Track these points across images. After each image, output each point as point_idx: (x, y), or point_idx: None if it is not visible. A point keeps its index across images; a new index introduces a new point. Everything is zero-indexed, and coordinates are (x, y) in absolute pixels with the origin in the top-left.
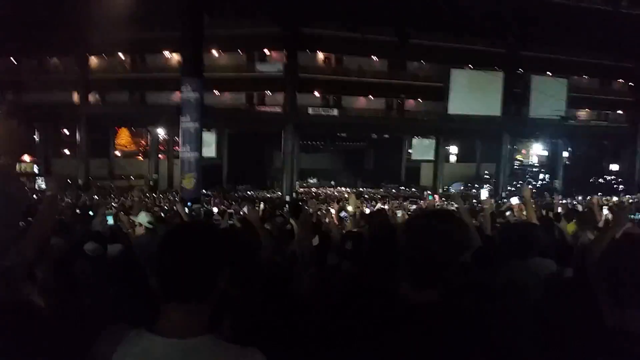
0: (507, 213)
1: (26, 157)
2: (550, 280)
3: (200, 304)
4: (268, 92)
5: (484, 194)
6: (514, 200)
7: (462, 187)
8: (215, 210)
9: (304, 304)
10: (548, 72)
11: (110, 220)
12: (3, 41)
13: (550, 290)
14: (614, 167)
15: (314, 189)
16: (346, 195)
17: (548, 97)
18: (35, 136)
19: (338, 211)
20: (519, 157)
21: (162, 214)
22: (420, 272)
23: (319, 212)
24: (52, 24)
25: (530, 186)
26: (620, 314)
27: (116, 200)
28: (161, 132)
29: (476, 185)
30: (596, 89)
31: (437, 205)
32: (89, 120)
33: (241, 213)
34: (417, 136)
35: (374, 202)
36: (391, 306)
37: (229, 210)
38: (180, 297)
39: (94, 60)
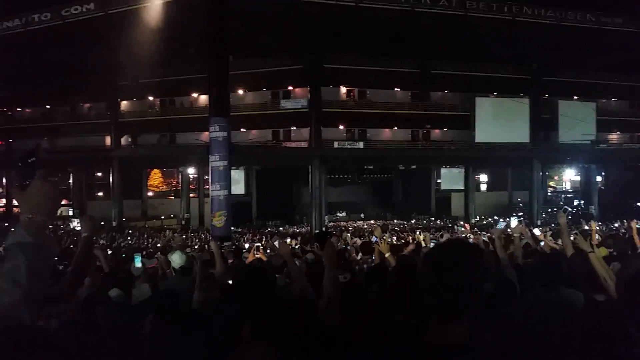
0: (542, 243)
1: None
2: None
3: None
4: (293, 128)
5: (514, 222)
6: (514, 222)
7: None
8: (246, 246)
9: (330, 340)
10: (575, 97)
11: (138, 263)
12: (37, 88)
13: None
14: None
15: (343, 223)
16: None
17: (577, 121)
18: (69, 180)
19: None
20: (551, 183)
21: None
22: (443, 304)
23: (348, 247)
24: (83, 70)
25: (565, 213)
26: None
27: (150, 240)
28: (191, 171)
29: (511, 214)
30: (626, 112)
31: (468, 235)
32: (121, 162)
33: (272, 246)
34: (446, 166)
35: (403, 234)
36: (417, 349)
37: (256, 244)
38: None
39: (124, 104)
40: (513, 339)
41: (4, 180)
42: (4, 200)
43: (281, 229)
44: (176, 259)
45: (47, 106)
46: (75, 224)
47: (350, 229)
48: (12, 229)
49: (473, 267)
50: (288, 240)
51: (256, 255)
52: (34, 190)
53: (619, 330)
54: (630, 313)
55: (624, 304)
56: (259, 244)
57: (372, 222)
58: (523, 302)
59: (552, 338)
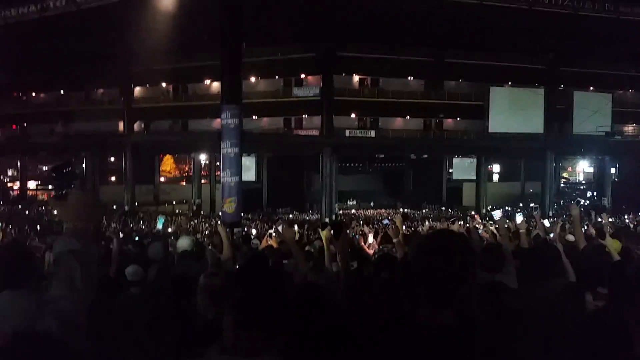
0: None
1: None
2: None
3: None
4: (305, 116)
5: (519, 218)
6: (519, 218)
7: (502, 215)
8: (254, 232)
9: (339, 325)
10: (591, 87)
11: (160, 225)
12: (52, 74)
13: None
14: None
15: (353, 211)
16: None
17: (592, 112)
18: (82, 164)
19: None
20: (564, 174)
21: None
22: (433, 291)
23: (357, 235)
24: (97, 57)
25: (578, 205)
26: None
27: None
28: (203, 157)
29: (520, 205)
30: None
31: (477, 226)
32: (134, 148)
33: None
34: (458, 156)
35: (413, 223)
36: (408, 329)
37: (269, 231)
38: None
39: (137, 90)
40: (509, 326)
41: (19, 163)
42: (18, 183)
43: (291, 216)
44: (182, 243)
45: (61, 92)
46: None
47: (360, 217)
48: (58, 237)
49: (459, 254)
50: (295, 228)
51: (269, 242)
52: (73, 200)
53: (619, 324)
54: (629, 308)
55: (624, 300)
56: (272, 231)
57: (382, 210)
58: (526, 292)
59: (549, 329)
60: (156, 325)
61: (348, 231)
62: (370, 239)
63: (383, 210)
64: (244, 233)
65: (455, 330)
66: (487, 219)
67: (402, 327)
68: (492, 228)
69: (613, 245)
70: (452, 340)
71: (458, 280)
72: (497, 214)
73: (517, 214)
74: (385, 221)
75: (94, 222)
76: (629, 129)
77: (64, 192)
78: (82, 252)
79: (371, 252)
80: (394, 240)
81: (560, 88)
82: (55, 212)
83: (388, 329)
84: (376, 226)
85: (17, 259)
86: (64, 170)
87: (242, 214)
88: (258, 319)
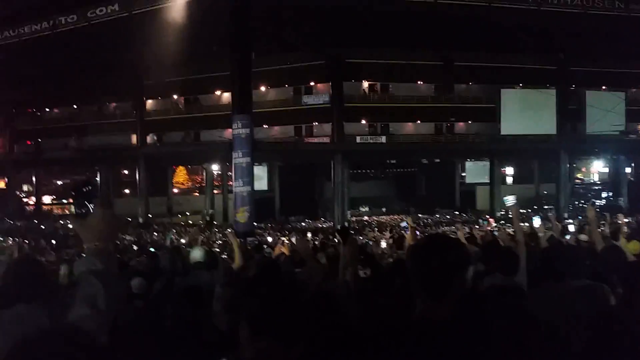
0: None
1: None
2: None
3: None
4: (315, 123)
5: (537, 221)
6: (536, 222)
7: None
8: (269, 239)
9: (351, 333)
10: (603, 86)
11: (168, 240)
12: (65, 89)
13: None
14: None
15: (365, 217)
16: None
17: (605, 112)
18: (97, 178)
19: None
20: (579, 175)
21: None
22: (426, 287)
23: (370, 242)
24: (109, 70)
25: (593, 206)
26: None
27: (175, 237)
28: (216, 168)
29: (534, 207)
30: None
31: (493, 229)
32: (147, 160)
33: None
34: (470, 159)
35: (426, 228)
36: (404, 325)
37: (281, 239)
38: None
39: (149, 103)
40: (509, 326)
41: (34, 178)
42: (33, 199)
43: (303, 224)
44: (196, 254)
45: (75, 106)
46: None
47: (373, 223)
48: (81, 257)
49: (448, 253)
50: (309, 235)
51: (281, 250)
52: (95, 219)
53: (632, 324)
54: None
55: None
56: (284, 239)
57: (395, 216)
58: (538, 293)
59: (556, 331)
60: (160, 337)
61: (361, 237)
62: (384, 244)
63: (396, 216)
64: (257, 242)
65: (449, 325)
66: (502, 222)
67: (400, 325)
68: (509, 230)
69: (630, 246)
70: (445, 334)
71: (450, 277)
72: (509, 200)
73: (535, 218)
74: (404, 223)
75: (113, 241)
76: None
77: (83, 211)
78: (104, 272)
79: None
80: (410, 244)
81: (571, 88)
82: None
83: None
84: (394, 232)
85: (30, 273)
86: (84, 189)
87: (255, 223)
88: (274, 328)
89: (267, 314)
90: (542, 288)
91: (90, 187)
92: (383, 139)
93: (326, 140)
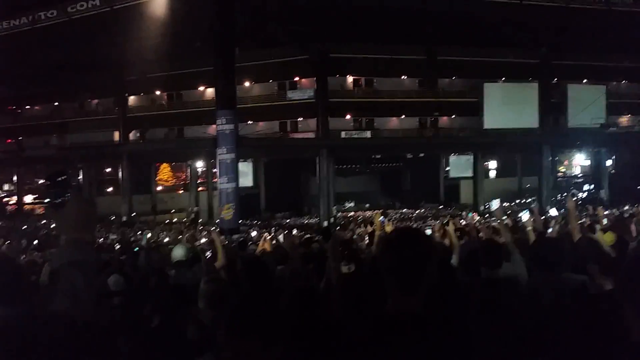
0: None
1: None
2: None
3: None
4: (300, 119)
5: (525, 216)
6: (525, 216)
7: (499, 204)
8: (254, 234)
9: (333, 330)
10: (584, 80)
11: (144, 241)
12: (45, 86)
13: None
14: None
15: (351, 213)
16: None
17: (586, 105)
18: (79, 176)
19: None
20: (561, 168)
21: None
22: (398, 279)
23: (354, 237)
24: (91, 67)
25: (574, 197)
26: None
27: (157, 235)
28: (200, 164)
29: (517, 201)
30: (636, 94)
31: (476, 223)
32: (130, 157)
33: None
34: (454, 153)
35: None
36: (378, 318)
37: (265, 234)
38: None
39: (132, 99)
40: (508, 323)
41: (15, 177)
42: (15, 198)
43: (289, 220)
44: (177, 252)
45: (56, 103)
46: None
47: (359, 218)
48: (55, 250)
49: (418, 246)
50: (295, 232)
51: (264, 246)
52: (71, 210)
53: (616, 317)
54: (627, 300)
55: (622, 291)
56: (266, 234)
57: (380, 211)
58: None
59: (544, 324)
60: (139, 334)
61: (347, 232)
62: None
63: (380, 211)
64: (242, 239)
65: (421, 318)
66: (486, 215)
67: (374, 319)
68: (494, 224)
69: (606, 237)
70: (417, 326)
71: (420, 269)
72: (494, 204)
73: (523, 212)
74: (382, 218)
75: (91, 231)
76: (624, 120)
77: (60, 200)
78: (83, 262)
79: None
80: (376, 233)
81: (553, 82)
82: (53, 224)
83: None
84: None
85: (5, 274)
86: (59, 179)
87: (240, 220)
88: (253, 327)
89: (243, 314)
90: (532, 281)
91: (64, 177)
92: (368, 134)
93: (311, 135)
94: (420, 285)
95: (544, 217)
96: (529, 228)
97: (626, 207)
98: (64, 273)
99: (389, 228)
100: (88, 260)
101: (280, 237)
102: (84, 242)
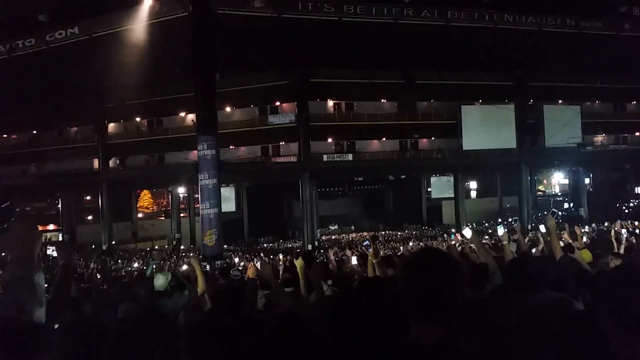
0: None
1: (50, 226)
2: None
3: None
4: (282, 143)
5: (500, 230)
6: (500, 230)
7: (472, 229)
8: (236, 260)
9: (320, 350)
10: (560, 101)
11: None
12: (23, 114)
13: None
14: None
15: (335, 236)
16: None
17: (562, 125)
18: (58, 204)
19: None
20: (540, 187)
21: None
22: (422, 305)
23: (337, 259)
24: (70, 94)
25: (554, 216)
26: (630, 342)
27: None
28: (182, 190)
29: (498, 220)
30: (610, 113)
31: (457, 244)
32: (110, 185)
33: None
34: (435, 174)
35: (392, 244)
36: (401, 350)
37: (250, 262)
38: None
39: (111, 126)
40: (503, 344)
41: None
42: None
43: (273, 245)
44: (157, 282)
45: (34, 131)
46: (51, 251)
47: (342, 241)
48: (4, 269)
49: (445, 268)
50: (280, 256)
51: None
52: (15, 233)
53: (597, 330)
54: (607, 312)
55: (603, 306)
56: (252, 261)
57: (364, 233)
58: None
59: (534, 342)
60: None
61: (331, 255)
62: (354, 260)
63: (365, 233)
64: (225, 265)
65: (446, 350)
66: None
67: (392, 350)
68: (473, 245)
69: (583, 255)
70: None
71: (446, 294)
72: (467, 232)
73: (499, 227)
74: (366, 242)
75: (36, 250)
76: (599, 139)
77: (5, 226)
78: (27, 277)
79: (356, 275)
80: (374, 261)
81: (529, 103)
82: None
83: (377, 353)
84: (359, 249)
85: None
86: (2, 206)
87: (224, 246)
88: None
89: (222, 348)
90: (512, 300)
91: (7, 204)
92: (350, 157)
93: (293, 159)
94: (447, 313)
95: (528, 237)
96: (505, 242)
97: (605, 224)
98: (9, 289)
99: (372, 255)
100: (30, 275)
101: (258, 265)
102: (30, 260)
